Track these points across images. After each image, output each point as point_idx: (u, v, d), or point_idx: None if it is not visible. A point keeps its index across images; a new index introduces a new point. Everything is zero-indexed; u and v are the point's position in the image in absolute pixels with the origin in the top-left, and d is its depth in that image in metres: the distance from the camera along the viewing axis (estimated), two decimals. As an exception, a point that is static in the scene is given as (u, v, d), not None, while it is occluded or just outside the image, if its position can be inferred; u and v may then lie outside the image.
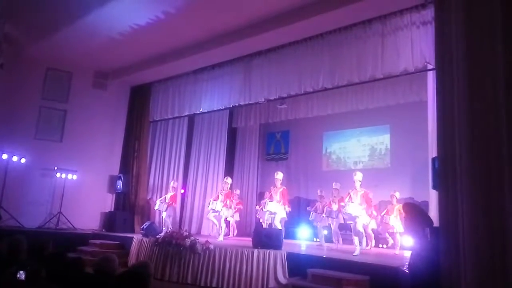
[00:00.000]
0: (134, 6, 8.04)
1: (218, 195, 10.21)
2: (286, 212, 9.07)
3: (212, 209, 9.77)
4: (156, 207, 10.39)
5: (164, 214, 10.00)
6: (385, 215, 8.45)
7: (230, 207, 10.15)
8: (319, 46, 8.26)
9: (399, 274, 5.53)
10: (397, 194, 8.70)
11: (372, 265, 6.28)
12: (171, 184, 10.72)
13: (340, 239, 9.14)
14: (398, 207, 8.22)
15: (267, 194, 9.64)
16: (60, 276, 2.97)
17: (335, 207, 8.65)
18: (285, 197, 9.07)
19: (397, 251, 8.21)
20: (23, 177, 10.22)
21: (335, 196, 8.94)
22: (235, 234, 10.88)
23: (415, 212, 4.24)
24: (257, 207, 9.95)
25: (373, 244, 8.89)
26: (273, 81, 8.86)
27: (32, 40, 9.84)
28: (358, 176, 8.06)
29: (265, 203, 9.06)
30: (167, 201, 10.10)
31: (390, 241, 8.78)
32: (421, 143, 8.32)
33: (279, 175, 9.23)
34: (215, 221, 9.87)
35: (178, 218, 11.85)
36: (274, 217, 8.86)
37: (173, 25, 8.59)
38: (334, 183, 9.25)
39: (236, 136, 13.81)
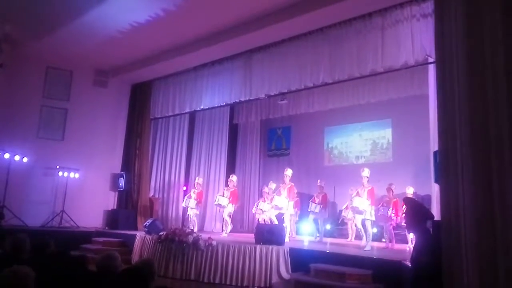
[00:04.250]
0: (133, 4, 8.01)
1: (224, 192, 10.32)
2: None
3: (219, 204, 9.89)
4: (183, 204, 10.43)
5: (191, 212, 9.97)
6: (381, 207, 8.35)
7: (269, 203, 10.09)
8: (319, 40, 8.21)
9: (402, 268, 5.54)
10: (394, 188, 8.56)
11: (375, 259, 6.31)
12: (196, 180, 10.56)
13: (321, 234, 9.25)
14: (396, 200, 8.15)
15: (274, 190, 9.74)
16: (63, 274, 2.98)
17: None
18: (291, 193, 9.12)
19: (392, 245, 8.10)
20: (26, 176, 10.24)
21: (319, 193, 9.25)
22: None
23: (415, 206, 4.24)
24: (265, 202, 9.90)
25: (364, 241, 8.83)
26: (273, 76, 8.83)
27: (32, 39, 9.80)
28: (366, 173, 8.07)
29: (273, 197, 9.16)
30: (193, 198, 10.05)
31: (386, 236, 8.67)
32: (423, 137, 8.27)
33: (288, 172, 9.34)
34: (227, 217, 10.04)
35: (181, 215, 11.89)
36: (282, 213, 9.01)
37: (172, 22, 8.55)
38: (318, 180, 9.48)
39: (237, 132, 13.81)
